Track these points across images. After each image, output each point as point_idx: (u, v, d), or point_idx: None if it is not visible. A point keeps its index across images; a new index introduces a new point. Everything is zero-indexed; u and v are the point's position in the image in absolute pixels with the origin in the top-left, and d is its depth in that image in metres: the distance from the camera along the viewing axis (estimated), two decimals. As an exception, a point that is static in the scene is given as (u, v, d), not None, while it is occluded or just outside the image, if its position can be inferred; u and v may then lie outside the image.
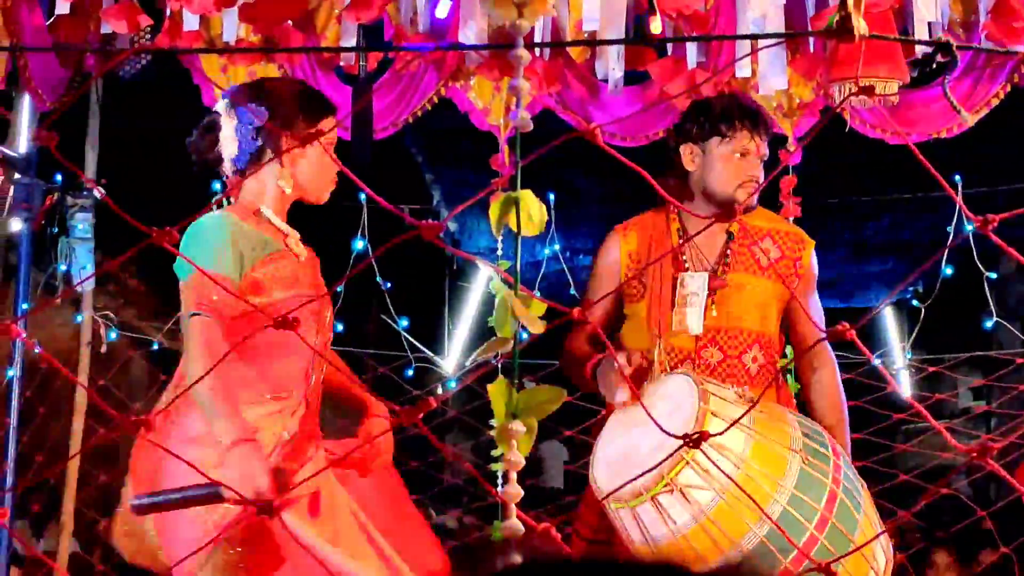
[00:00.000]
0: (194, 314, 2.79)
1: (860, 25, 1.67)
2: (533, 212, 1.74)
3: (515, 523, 1.73)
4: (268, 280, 2.93)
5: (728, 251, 3.39)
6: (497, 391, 1.72)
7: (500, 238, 5.47)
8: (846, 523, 2.80)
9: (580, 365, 3.29)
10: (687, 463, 2.71)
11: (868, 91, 1.62)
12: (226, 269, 2.85)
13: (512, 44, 1.67)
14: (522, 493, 1.71)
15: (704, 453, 2.64)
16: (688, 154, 3.37)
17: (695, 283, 3.33)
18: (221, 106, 3.03)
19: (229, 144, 2.99)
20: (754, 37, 4.15)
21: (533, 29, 4.42)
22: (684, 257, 3.37)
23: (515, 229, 1.74)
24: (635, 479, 2.57)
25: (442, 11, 4.30)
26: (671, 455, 2.58)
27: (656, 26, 4.16)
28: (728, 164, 3.33)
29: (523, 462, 1.70)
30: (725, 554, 2.71)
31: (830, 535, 2.77)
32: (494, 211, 1.72)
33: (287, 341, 2.89)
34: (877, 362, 1.71)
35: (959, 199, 1.69)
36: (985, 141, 5.73)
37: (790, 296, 3.36)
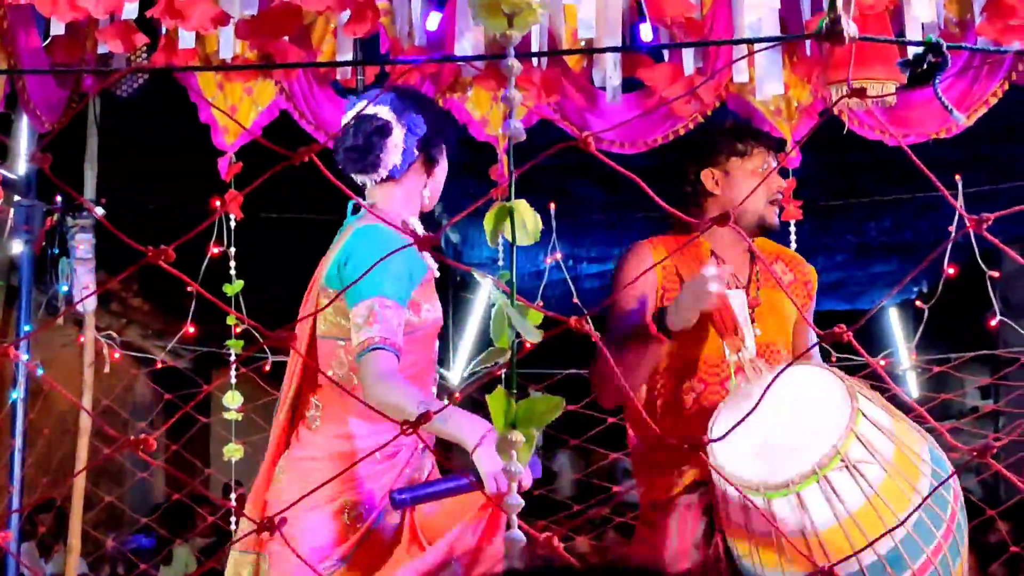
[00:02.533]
0: (376, 348, 2.81)
1: (850, 27, 1.67)
2: (528, 222, 1.73)
3: (517, 533, 1.73)
4: (422, 299, 3.00)
5: (756, 270, 3.39)
6: (496, 401, 1.71)
7: (501, 249, 5.48)
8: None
9: (634, 346, 3.17)
10: (855, 434, 2.65)
11: (859, 93, 1.62)
12: (403, 298, 2.89)
13: (503, 55, 1.67)
14: (523, 503, 1.71)
15: (870, 421, 2.67)
16: (710, 178, 3.35)
17: (736, 301, 3.27)
18: (384, 112, 3.02)
19: (394, 152, 3.01)
20: (744, 42, 4.15)
21: (529, 39, 4.42)
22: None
23: (510, 239, 1.73)
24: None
25: (432, 23, 4.29)
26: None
27: (646, 33, 4.16)
28: (753, 181, 3.31)
29: (523, 471, 1.70)
30: (893, 533, 2.58)
31: (960, 511, 2.76)
32: (489, 221, 1.72)
33: (432, 360, 3.11)
34: (876, 363, 1.70)
35: (954, 200, 1.69)
36: (986, 140, 5.73)
37: (798, 317, 3.37)
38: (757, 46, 4.37)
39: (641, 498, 3.34)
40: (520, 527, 1.71)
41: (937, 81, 1.70)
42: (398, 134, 3.01)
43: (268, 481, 3.02)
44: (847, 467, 2.61)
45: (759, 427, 2.72)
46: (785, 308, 3.37)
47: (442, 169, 3.15)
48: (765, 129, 4.58)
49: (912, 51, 1.90)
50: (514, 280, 1.72)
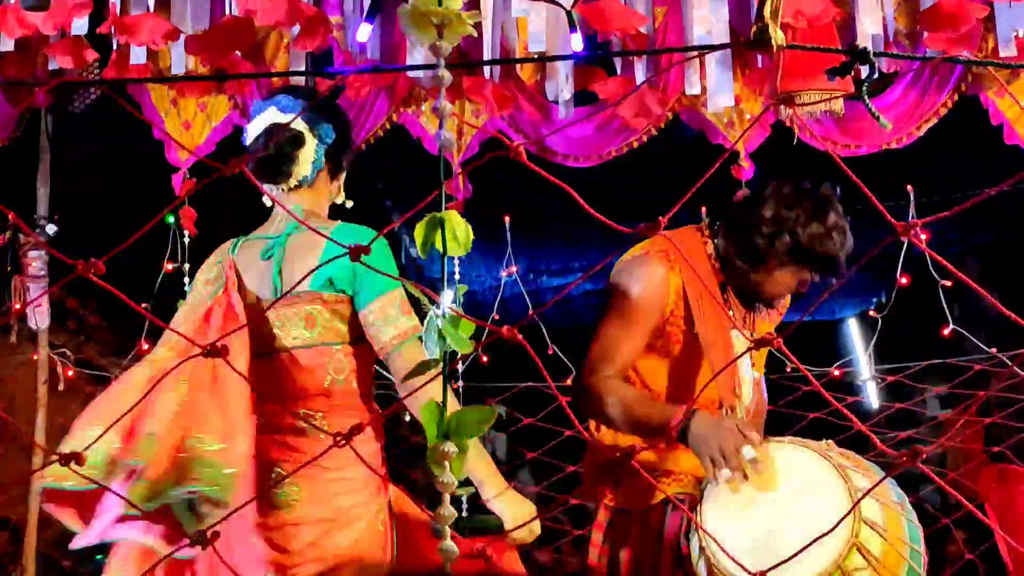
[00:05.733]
0: (419, 336, 2.81)
1: (777, 36, 1.68)
2: (459, 232, 1.73)
3: (450, 545, 1.72)
4: None
5: (756, 305, 3.26)
6: (428, 413, 1.70)
7: (458, 263, 5.48)
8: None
9: (649, 422, 2.95)
10: (856, 547, 2.57)
11: (787, 101, 1.64)
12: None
13: (425, 64, 1.67)
14: (455, 514, 1.70)
15: (867, 524, 2.57)
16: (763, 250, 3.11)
17: (741, 344, 3.13)
18: (299, 122, 2.98)
19: (305, 163, 2.99)
20: (677, 50, 4.18)
21: (482, 51, 4.44)
22: (731, 311, 3.20)
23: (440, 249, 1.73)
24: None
25: (363, 35, 4.29)
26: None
27: (577, 43, 4.18)
28: (785, 288, 3.15)
29: (456, 483, 1.69)
30: None
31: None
32: (419, 233, 1.71)
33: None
34: (807, 372, 1.71)
35: (881, 206, 1.69)
36: (939, 150, 5.77)
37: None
38: (708, 58, 4.41)
39: (608, 503, 3.22)
40: (453, 539, 1.70)
41: (865, 88, 1.72)
42: (310, 145, 3.00)
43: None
44: None
45: (756, 521, 2.68)
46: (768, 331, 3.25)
47: (343, 174, 3.16)
48: (718, 141, 4.64)
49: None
50: (444, 292, 1.71)
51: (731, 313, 3.19)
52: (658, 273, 3.09)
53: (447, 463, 1.70)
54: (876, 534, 2.62)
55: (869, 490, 1.83)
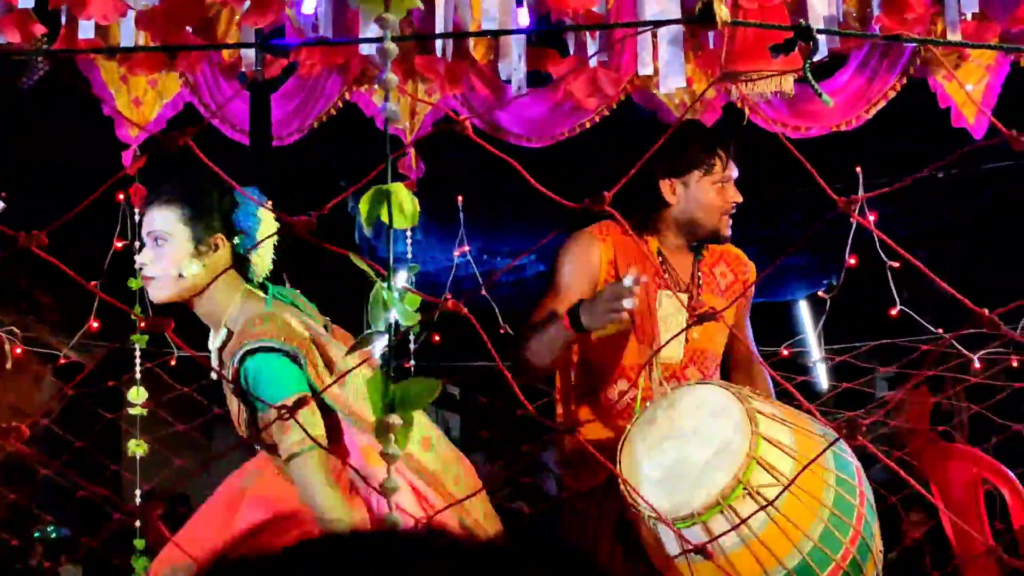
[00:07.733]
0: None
1: (722, 12, 1.69)
2: (405, 205, 1.73)
3: (396, 517, 1.73)
4: None
5: (699, 272, 3.40)
6: (373, 385, 1.70)
7: (410, 242, 5.47)
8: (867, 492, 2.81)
9: (548, 332, 3.14)
10: (756, 461, 2.65)
11: (731, 78, 1.65)
12: None
13: (372, 38, 1.66)
14: (399, 487, 1.71)
15: (770, 442, 2.66)
16: (668, 188, 3.33)
17: (672, 305, 3.26)
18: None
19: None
20: (620, 26, 4.19)
21: (434, 29, 4.42)
22: (666, 276, 3.33)
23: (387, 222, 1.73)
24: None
25: (308, 7, 4.27)
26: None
27: (523, 17, 4.18)
28: (712, 196, 3.31)
29: (400, 454, 1.70)
30: (799, 547, 2.65)
31: (868, 510, 2.78)
32: (364, 205, 1.71)
33: None
34: (753, 350, 1.73)
35: (825, 185, 1.71)
36: (888, 134, 5.81)
37: (736, 318, 3.41)
38: (660, 40, 4.42)
39: (570, 486, 3.31)
40: (397, 509, 1.71)
41: (808, 64, 1.73)
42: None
43: None
44: (750, 494, 2.63)
45: (664, 454, 2.78)
46: (725, 313, 3.38)
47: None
48: (670, 122, 4.65)
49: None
50: (390, 263, 1.71)
51: (667, 276, 3.32)
52: (588, 245, 3.30)
53: (392, 436, 1.71)
54: (785, 455, 2.69)
55: (818, 434, 1.85)
